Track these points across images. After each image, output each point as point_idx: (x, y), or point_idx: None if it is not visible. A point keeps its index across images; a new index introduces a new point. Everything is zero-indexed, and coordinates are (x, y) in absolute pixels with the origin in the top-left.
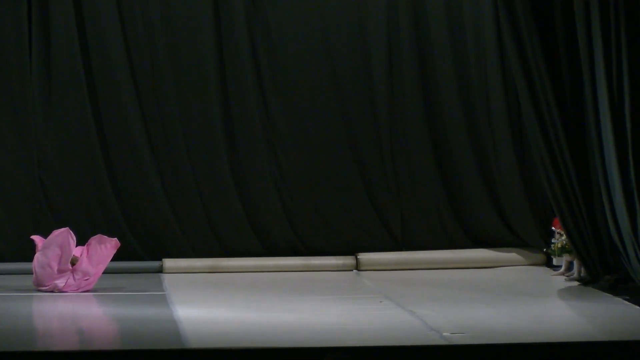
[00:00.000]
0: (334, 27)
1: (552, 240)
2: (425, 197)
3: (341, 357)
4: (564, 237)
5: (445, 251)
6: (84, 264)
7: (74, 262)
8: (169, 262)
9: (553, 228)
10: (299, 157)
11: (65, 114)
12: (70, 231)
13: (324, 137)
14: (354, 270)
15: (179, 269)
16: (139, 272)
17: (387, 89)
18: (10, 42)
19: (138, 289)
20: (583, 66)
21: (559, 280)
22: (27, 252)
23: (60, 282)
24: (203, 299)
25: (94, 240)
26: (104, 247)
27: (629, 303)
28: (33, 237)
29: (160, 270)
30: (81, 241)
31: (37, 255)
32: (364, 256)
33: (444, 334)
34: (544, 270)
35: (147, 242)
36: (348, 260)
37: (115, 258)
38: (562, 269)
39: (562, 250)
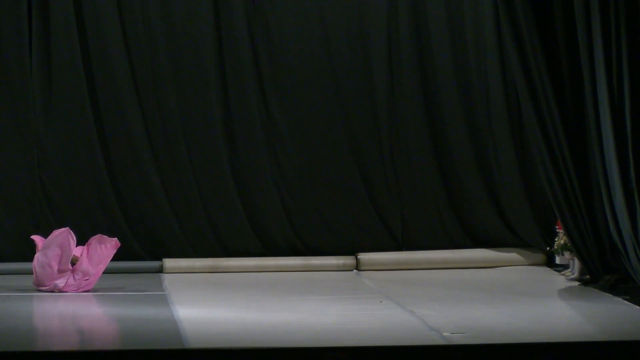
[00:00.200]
0: (334, 27)
1: (555, 240)
2: (425, 197)
3: (341, 357)
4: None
5: (445, 251)
6: (84, 264)
7: (74, 262)
8: (169, 262)
9: (557, 229)
10: (299, 157)
11: (66, 114)
12: (71, 231)
13: (324, 137)
14: (354, 270)
15: (179, 269)
16: (139, 272)
17: (387, 89)
18: (11, 42)
19: (138, 289)
20: (583, 66)
21: (559, 280)
22: (27, 252)
23: (60, 282)
24: (203, 299)
25: (94, 240)
26: (104, 247)
27: (629, 303)
28: (33, 237)
29: (160, 270)
30: (81, 241)
31: (37, 255)
32: (364, 256)
33: (444, 334)
34: (544, 270)
35: (147, 242)
36: (348, 260)
37: (116, 258)
38: (570, 269)
39: (564, 248)
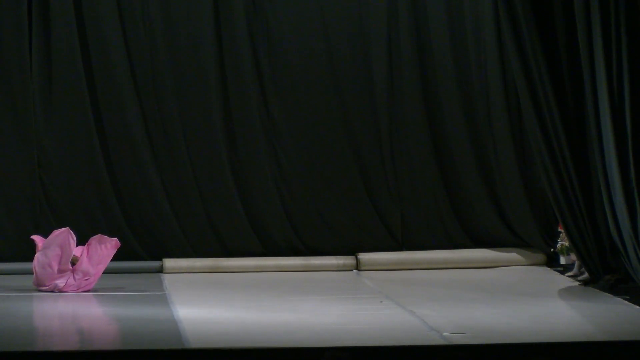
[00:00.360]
0: (334, 27)
1: (559, 240)
2: (425, 197)
3: (340, 356)
4: None
5: (445, 251)
6: (84, 264)
7: (74, 262)
8: (169, 262)
9: (559, 229)
10: (299, 157)
11: (66, 114)
12: (71, 231)
13: (324, 137)
14: (354, 270)
15: (179, 269)
16: (139, 272)
17: (388, 89)
18: (11, 42)
19: (138, 289)
20: (583, 66)
21: (559, 280)
22: (28, 252)
23: (60, 282)
24: (203, 299)
25: (94, 240)
26: (104, 247)
27: (629, 303)
28: (33, 237)
29: (160, 270)
30: (81, 241)
31: (37, 255)
32: (364, 256)
33: (444, 334)
34: (544, 270)
35: (147, 242)
36: (348, 260)
37: (116, 258)
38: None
39: (571, 249)
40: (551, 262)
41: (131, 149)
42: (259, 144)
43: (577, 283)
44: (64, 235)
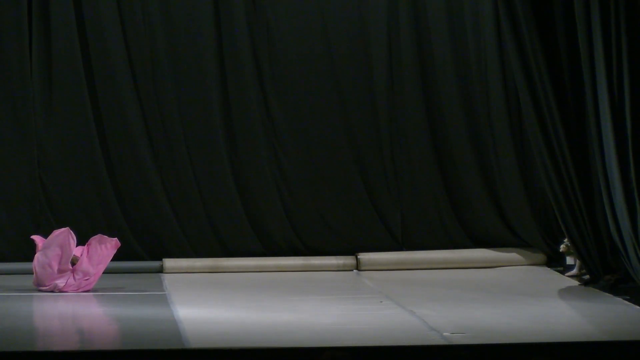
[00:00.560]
0: (334, 27)
1: (564, 241)
2: (425, 197)
3: (339, 356)
4: None
5: (445, 251)
6: (84, 264)
7: (74, 262)
8: (169, 262)
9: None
10: (300, 157)
11: (66, 114)
12: (71, 231)
13: (324, 137)
14: (355, 270)
15: (180, 269)
16: (139, 272)
17: (388, 89)
18: (11, 42)
19: (138, 289)
20: (583, 65)
21: (559, 280)
22: (28, 252)
23: (60, 282)
24: (203, 299)
25: (94, 240)
26: (104, 247)
27: (629, 303)
28: (33, 237)
29: (160, 270)
30: (81, 241)
31: (37, 255)
32: (364, 256)
33: (445, 334)
34: (544, 270)
35: (148, 242)
36: (348, 260)
37: (116, 258)
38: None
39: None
40: (551, 262)
41: (131, 149)
42: (259, 144)
43: (577, 283)
44: (64, 235)
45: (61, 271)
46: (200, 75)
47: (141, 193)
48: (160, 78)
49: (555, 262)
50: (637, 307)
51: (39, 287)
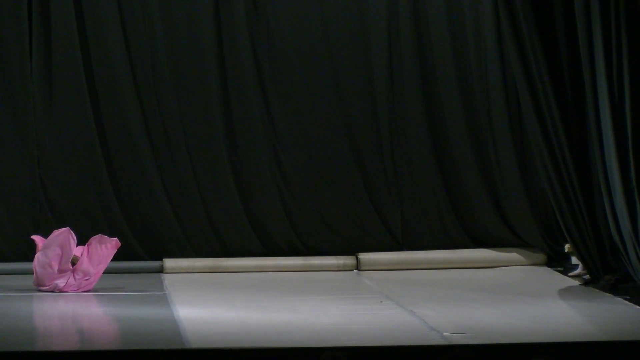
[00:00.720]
0: (334, 27)
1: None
2: (425, 197)
3: (338, 356)
4: None
5: (445, 251)
6: (84, 264)
7: (74, 262)
8: (169, 262)
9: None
10: (300, 157)
11: (66, 114)
12: (71, 231)
13: (324, 137)
14: (355, 270)
15: (180, 269)
16: (140, 272)
17: (388, 89)
18: (11, 42)
19: (138, 289)
20: (583, 65)
21: (559, 280)
22: (28, 252)
23: (60, 282)
24: (203, 299)
25: (94, 240)
26: (105, 247)
27: (629, 303)
28: (33, 237)
29: (160, 270)
30: (82, 241)
31: (37, 255)
32: (364, 256)
33: (445, 334)
34: (544, 271)
35: (148, 242)
36: (348, 260)
37: (116, 258)
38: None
39: None
40: (551, 262)
41: (132, 149)
42: (259, 144)
43: (577, 283)
44: (64, 235)
45: (61, 271)
46: (200, 75)
47: (141, 193)
48: (160, 78)
49: (555, 262)
50: (637, 307)
51: (39, 287)
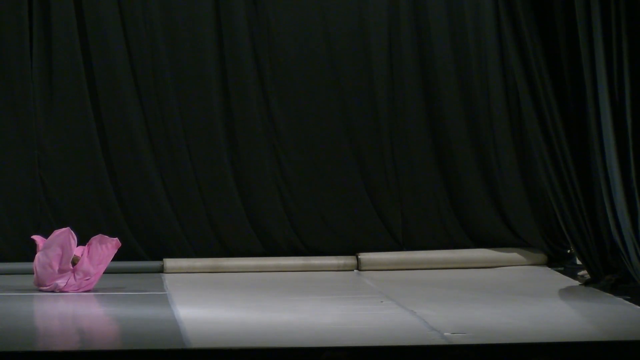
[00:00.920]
0: (335, 27)
1: None
2: (426, 197)
3: (338, 356)
4: None
5: (446, 251)
6: (84, 264)
7: (74, 262)
8: (169, 262)
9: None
10: (300, 157)
11: (66, 114)
12: (71, 231)
13: (325, 138)
14: (355, 270)
15: (180, 268)
16: (140, 272)
17: (388, 89)
18: (11, 42)
19: (139, 289)
20: (584, 65)
21: (559, 280)
22: (28, 252)
23: (61, 282)
24: (204, 299)
25: (94, 240)
26: (105, 247)
27: (629, 303)
28: (34, 237)
29: (161, 270)
30: (82, 241)
31: (38, 255)
32: (364, 256)
33: (445, 333)
34: (545, 271)
35: (148, 242)
36: (349, 260)
37: (116, 258)
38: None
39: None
40: (552, 262)
41: (132, 149)
42: (259, 144)
43: (578, 283)
44: (64, 235)
45: (62, 271)
46: (200, 75)
47: (142, 193)
48: (160, 78)
49: (555, 262)
50: (638, 307)
51: (39, 287)
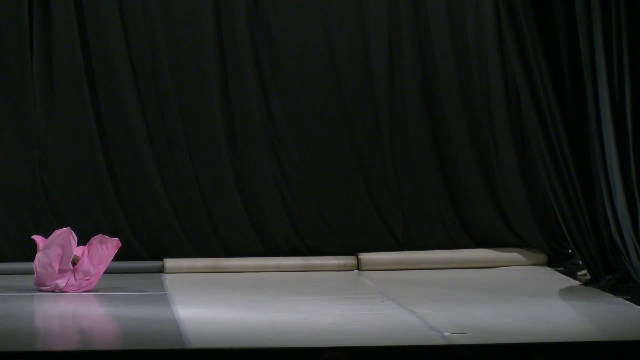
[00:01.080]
0: (335, 26)
1: None
2: (426, 197)
3: (338, 356)
4: None
5: (446, 251)
6: (85, 264)
7: (75, 262)
8: (170, 262)
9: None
10: (301, 156)
11: (67, 114)
12: (72, 231)
13: (325, 137)
14: (355, 270)
15: (180, 268)
16: (140, 272)
17: (389, 88)
18: (11, 42)
19: (139, 289)
20: (584, 65)
21: (560, 280)
22: (28, 252)
23: (61, 282)
24: (204, 299)
25: (95, 240)
26: (105, 247)
27: (629, 303)
28: (34, 237)
29: (161, 270)
30: (82, 241)
31: (38, 255)
32: (365, 256)
33: (445, 333)
34: (545, 271)
35: (148, 242)
36: (349, 260)
37: (116, 258)
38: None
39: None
40: (552, 262)
41: (132, 149)
42: (260, 144)
43: (578, 283)
44: (65, 235)
45: (62, 271)
46: (201, 75)
47: (142, 193)
48: (161, 78)
49: (556, 262)
50: (638, 307)
51: (39, 287)
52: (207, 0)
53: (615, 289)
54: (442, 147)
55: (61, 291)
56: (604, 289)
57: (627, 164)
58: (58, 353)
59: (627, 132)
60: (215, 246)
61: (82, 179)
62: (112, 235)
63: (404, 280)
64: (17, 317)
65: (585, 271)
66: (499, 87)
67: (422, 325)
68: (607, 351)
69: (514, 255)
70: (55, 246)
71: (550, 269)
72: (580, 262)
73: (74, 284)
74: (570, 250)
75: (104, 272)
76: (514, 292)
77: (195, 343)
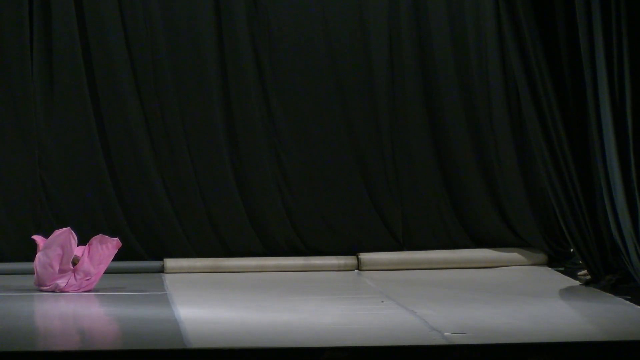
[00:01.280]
0: (335, 26)
1: None
2: (426, 197)
3: (339, 356)
4: None
5: (446, 251)
6: (85, 264)
7: (75, 262)
8: (170, 262)
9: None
10: (301, 156)
11: (67, 113)
12: (72, 231)
13: (325, 137)
14: (356, 270)
15: (180, 268)
16: (140, 272)
17: (389, 89)
18: (12, 42)
19: (139, 289)
20: (584, 65)
21: (560, 280)
22: (28, 252)
23: (61, 282)
24: (204, 298)
25: (95, 240)
26: (105, 247)
27: (630, 303)
28: (34, 237)
29: (161, 270)
30: (82, 241)
31: (38, 255)
32: (365, 256)
33: (446, 333)
34: (545, 271)
35: (148, 242)
36: (349, 260)
37: (117, 258)
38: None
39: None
40: (552, 262)
41: (132, 148)
42: (260, 144)
43: (578, 283)
44: (65, 235)
45: (62, 271)
46: (201, 74)
47: (142, 193)
48: (161, 78)
49: (556, 262)
50: (638, 307)
51: (39, 287)
52: (207, 1)
53: (616, 289)
54: (442, 147)
55: (61, 291)
56: (604, 289)
57: (627, 164)
58: (58, 353)
59: (627, 132)
60: (215, 246)
61: (82, 179)
62: (112, 235)
63: (404, 280)
64: (18, 317)
65: (585, 271)
66: (499, 87)
67: (422, 325)
68: (607, 351)
69: (514, 255)
70: (55, 246)
71: (550, 269)
72: (581, 262)
73: (74, 284)
74: (571, 250)
75: (104, 272)
76: (514, 292)
77: (195, 343)
